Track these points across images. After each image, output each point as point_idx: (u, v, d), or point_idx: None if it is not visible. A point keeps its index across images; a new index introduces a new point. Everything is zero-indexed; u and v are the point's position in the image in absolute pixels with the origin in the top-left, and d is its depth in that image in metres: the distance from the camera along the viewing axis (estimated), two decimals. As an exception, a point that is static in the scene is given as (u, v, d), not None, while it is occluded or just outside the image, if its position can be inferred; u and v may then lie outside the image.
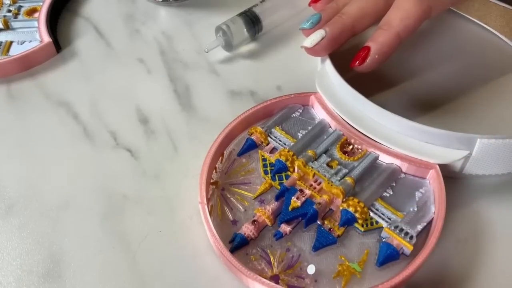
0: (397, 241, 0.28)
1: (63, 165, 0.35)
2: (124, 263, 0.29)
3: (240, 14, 0.42)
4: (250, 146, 0.34)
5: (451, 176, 0.31)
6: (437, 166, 0.30)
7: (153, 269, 0.29)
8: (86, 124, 0.37)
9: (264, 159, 0.33)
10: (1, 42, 0.43)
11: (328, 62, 0.36)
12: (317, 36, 0.35)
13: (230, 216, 0.30)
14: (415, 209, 0.30)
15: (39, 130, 0.37)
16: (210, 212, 0.29)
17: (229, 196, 0.31)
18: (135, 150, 0.36)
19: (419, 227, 0.29)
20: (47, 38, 0.42)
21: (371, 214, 0.30)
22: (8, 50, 0.42)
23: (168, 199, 0.33)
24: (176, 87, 0.40)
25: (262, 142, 0.34)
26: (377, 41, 0.33)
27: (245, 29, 0.42)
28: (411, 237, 0.28)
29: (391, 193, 0.31)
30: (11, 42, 0.43)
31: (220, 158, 0.33)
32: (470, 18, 0.44)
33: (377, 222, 0.30)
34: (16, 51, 0.42)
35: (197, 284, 0.29)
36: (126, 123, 0.37)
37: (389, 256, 0.28)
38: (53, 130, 0.37)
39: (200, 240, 0.30)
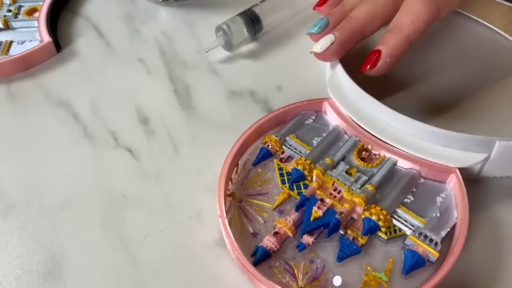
0: (423, 248, 0.28)
1: (63, 165, 0.35)
2: (124, 263, 0.29)
3: (240, 14, 0.42)
4: (265, 155, 0.33)
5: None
6: (457, 170, 0.30)
7: (153, 269, 0.29)
8: (86, 124, 0.37)
9: (280, 168, 0.33)
10: (1, 41, 0.43)
11: (339, 68, 0.35)
12: (326, 41, 0.34)
13: (250, 229, 0.30)
14: (438, 214, 0.30)
15: (39, 130, 0.37)
16: (229, 225, 0.29)
17: (247, 207, 0.31)
18: (135, 150, 0.36)
19: (443, 233, 0.29)
20: (47, 38, 0.42)
21: (394, 221, 0.29)
22: (8, 50, 0.42)
23: (168, 199, 0.33)
24: (176, 87, 0.40)
25: (277, 151, 0.34)
26: (388, 44, 0.33)
27: (245, 29, 0.42)
28: (436, 244, 0.28)
29: (412, 199, 0.31)
30: (11, 42, 0.43)
31: (235, 168, 0.33)
32: (475, 18, 0.44)
33: (400, 230, 0.29)
34: (16, 50, 0.42)
35: (197, 284, 0.29)
36: (126, 123, 0.37)
37: (415, 264, 0.28)
38: (53, 130, 0.37)
39: (204, 242, 0.30)
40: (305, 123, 0.35)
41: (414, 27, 0.33)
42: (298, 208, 0.30)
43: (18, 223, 0.32)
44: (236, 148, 0.32)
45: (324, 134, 0.34)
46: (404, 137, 0.32)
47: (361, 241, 0.29)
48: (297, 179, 0.32)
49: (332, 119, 0.35)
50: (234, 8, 0.43)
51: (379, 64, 0.33)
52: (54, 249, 0.30)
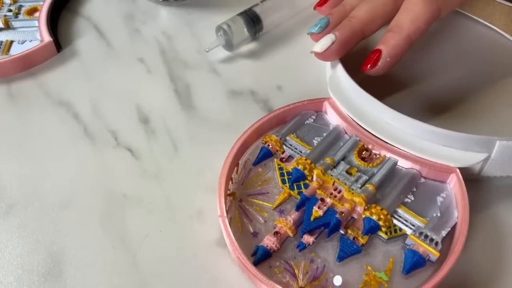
0: (423, 248, 0.28)
1: (64, 164, 0.35)
2: (125, 263, 0.29)
3: (241, 14, 0.42)
4: (266, 155, 0.33)
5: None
6: (457, 170, 0.30)
7: (153, 268, 0.29)
8: (87, 123, 0.37)
9: (280, 168, 0.33)
10: (2, 41, 0.43)
11: (340, 67, 0.35)
12: (327, 40, 0.34)
13: (250, 228, 0.30)
14: (438, 214, 0.30)
15: (40, 130, 0.37)
16: (229, 225, 0.29)
17: (247, 207, 0.31)
18: (135, 150, 0.36)
19: (444, 233, 0.29)
20: (47, 38, 0.42)
21: (394, 221, 0.30)
22: (8, 50, 0.42)
23: (168, 198, 0.33)
24: (177, 86, 0.40)
25: (277, 151, 0.34)
26: (388, 44, 0.33)
27: (245, 29, 0.42)
28: (437, 243, 0.28)
29: (412, 198, 0.31)
30: (11, 42, 0.43)
31: (236, 168, 0.33)
32: (475, 17, 0.44)
33: (400, 229, 0.29)
34: (16, 50, 0.42)
35: (197, 283, 0.29)
36: (126, 123, 0.37)
37: (415, 264, 0.28)
38: (54, 129, 0.37)
39: (204, 242, 0.30)
40: (306, 122, 0.35)
41: (415, 26, 0.33)
42: (298, 207, 0.30)
43: (18, 223, 0.32)
44: (236, 147, 0.32)
45: (324, 134, 0.34)
46: (405, 137, 0.32)
47: (362, 240, 0.29)
48: (297, 178, 0.32)
49: (333, 119, 0.35)
50: (234, 8, 0.43)
51: (379, 64, 0.33)
52: (55, 249, 0.30)
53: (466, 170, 0.30)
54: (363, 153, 0.33)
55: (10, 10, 0.45)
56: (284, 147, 0.34)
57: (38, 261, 0.30)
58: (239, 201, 0.31)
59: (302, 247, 0.29)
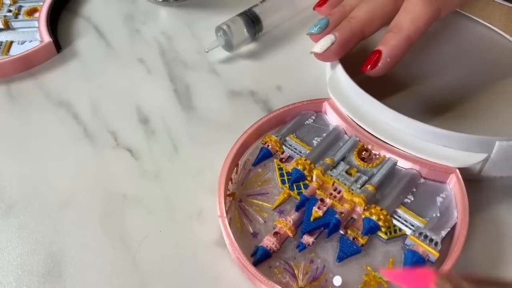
0: (423, 248, 0.28)
1: (64, 165, 0.35)
2: (124, 263, 0.29)
3: (240, 14, 0.42)
4: (265, 155, 0.33)
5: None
6: (457, 170, 0.30)
7: (153, 269, 0.29)
8: (87, 124, 0.37)
9: (280, 168, 0.33)
10: (2, 42, 0.43)
11: (339, 68, 0.35)
12: (327, 41, 0.34)
13: (250, 229, 0.30)
14: (438, 214, 0.30)
15: (40, 130, 0.37)
16: (229, 225, 0.29)
17: (247, 207, 0.31)
18: (135, 150, 0.36)
19: (443, 233, 0.29)
20: (47, 38, 0.42)
21: (394, 221, 0.30)
22: (8, 50, 0.42)
23: (168, 199, 0.33)
24: (176, 87, 0.40)
25: (277, 151, 0.34)
26: (388, 44, 0.33)
27: (245, 29, 0.42)
28: (436, 244, 0.28)
29: (412, 199, 0.31)
30: (11, 42, 0.43)
31: (235, 168, 0.33)
32: (475, 18, 0.44)
33: (400, 230, 0.29)
34: (16, 51, 0.42)
35: (197, 284, 0.29)
36: (126, 123, 0.37)
37: (415, 264, 0.28)
38: (54, 130, 0.37)
39: (204, 242, 0.30)
40: (305, 123, 0.35)
41: (415, 27, 0.33)
42: (298, 208, 0.30)
43: (18, 223, 0.32)
44: (236, 148, 0.32)
45: (324, 134, 0.34)
46: (404, 137, 0.32)
47: (361, 241, 0.29)
48: (297, 179, 0.32)
49: (332, 119, 0.35)
50: (234, 8, 0.43)
51: (379, 64, 0.33)
52: (54, 249, 0.30)
53: (465, 170, 0.30)
54: (363, 153, 0.33)
55: (10, 11, 0.45)
56: (284, 147, 0.34)
57: (38, 261, 0.30)
58: (238, 202, 0.31)
59: (302, 247, 0.29)
